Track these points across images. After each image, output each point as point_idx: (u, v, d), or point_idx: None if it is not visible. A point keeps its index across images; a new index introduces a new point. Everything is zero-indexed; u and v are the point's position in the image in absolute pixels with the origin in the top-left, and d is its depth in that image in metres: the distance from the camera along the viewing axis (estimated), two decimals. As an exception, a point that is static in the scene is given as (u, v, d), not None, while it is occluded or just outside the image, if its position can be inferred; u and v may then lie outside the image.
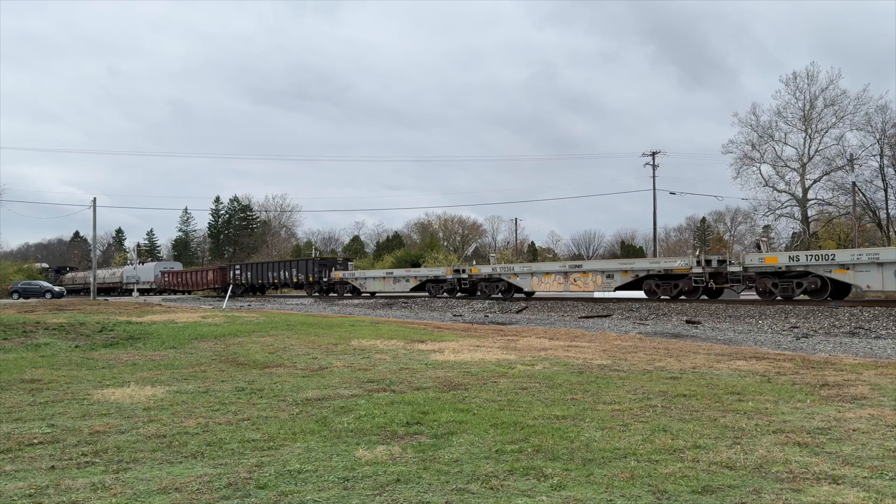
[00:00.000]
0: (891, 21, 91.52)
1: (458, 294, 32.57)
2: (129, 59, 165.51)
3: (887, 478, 4.01)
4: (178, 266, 70.47)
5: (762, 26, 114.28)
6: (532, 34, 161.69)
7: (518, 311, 24.11)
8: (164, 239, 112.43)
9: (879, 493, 3.71)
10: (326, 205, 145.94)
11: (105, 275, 74.37)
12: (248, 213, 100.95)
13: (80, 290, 72.25)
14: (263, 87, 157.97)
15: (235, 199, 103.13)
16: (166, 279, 61.70)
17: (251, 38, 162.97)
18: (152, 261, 79.41)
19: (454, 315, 24.00)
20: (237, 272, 51.68)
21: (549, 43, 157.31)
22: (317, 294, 42.40)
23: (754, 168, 51.66)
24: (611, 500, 3.69)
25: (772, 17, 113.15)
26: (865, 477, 4.03)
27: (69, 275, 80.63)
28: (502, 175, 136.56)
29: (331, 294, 41.34)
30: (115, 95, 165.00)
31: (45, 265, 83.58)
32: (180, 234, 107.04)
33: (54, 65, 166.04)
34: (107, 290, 70.81)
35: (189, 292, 58.14)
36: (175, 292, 59.76)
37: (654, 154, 54.80)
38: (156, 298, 52.46)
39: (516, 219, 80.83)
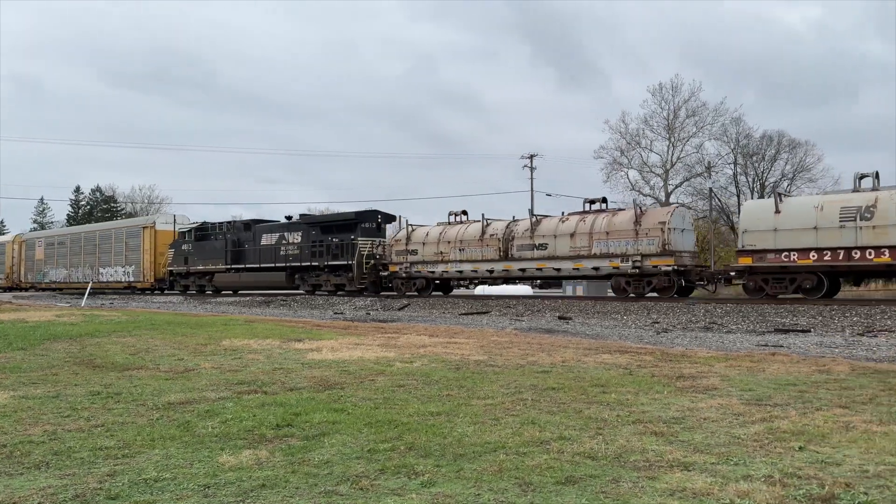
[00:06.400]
0: (745, 33, 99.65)
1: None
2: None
3: (732, 463, 4.32)
4: None
5: (633, 30, 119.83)
6: (408, 28, 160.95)
7: (400, 309, 24.12)
8: (16, 231, 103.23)
9: (725, 478, 3.99)
10: (199, 197, 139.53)
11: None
12: (113, 204, 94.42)
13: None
14: (121, 69, 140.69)
15: (98, 189, 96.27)
16: None
17: (104, 13, 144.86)
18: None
19: (335, 313, 23.64)
20: None
21: (427, 39, 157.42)
22: (193, 292, 40.31)
23: (623, 173, 55.04)
24: (479, 495, 3.74)
25: (641, 22, 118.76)
26: (713, 463, 4.32)
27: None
28: (384, 170, 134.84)
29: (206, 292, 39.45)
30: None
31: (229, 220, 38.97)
32: (35, 226, 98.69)
33: None
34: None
35: None
36: None
37: (531, 157, 57.02)
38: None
39: (400, 216, 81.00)
